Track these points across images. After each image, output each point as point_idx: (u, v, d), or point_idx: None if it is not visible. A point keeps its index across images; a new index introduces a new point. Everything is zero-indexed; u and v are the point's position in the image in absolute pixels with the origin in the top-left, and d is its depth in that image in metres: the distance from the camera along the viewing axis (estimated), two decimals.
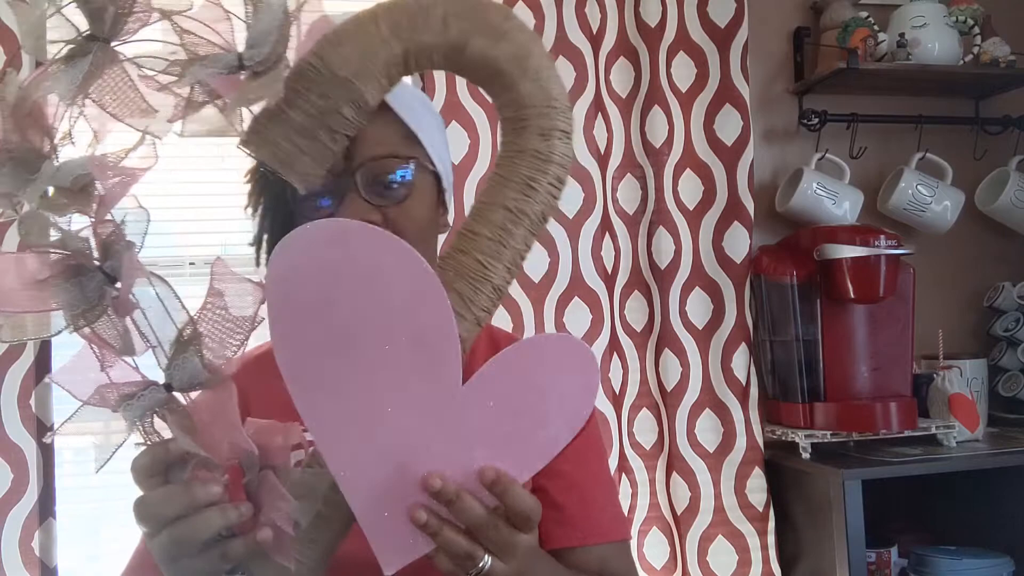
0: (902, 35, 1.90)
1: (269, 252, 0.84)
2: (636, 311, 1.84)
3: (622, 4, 1.84)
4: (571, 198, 1.78)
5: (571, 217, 1.78)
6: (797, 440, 1.73)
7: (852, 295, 1.72)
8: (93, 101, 0.54)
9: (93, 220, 0.55)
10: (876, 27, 1.90)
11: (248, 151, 0.58)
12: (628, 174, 1.85)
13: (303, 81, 0.58)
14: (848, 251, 1.71)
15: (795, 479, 1.77)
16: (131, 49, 0.54)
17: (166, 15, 0.54)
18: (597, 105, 1.82)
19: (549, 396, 0.60)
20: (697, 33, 1.84)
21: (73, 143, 0.55)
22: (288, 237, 0.56)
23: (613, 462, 1.77)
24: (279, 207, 0.81)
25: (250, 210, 0.85)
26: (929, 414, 1.81)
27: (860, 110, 1.96)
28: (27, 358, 1.57)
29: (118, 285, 0.55)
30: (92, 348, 0.56)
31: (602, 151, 1.83)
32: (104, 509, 1.79)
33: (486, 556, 0.61)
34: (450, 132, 1.64)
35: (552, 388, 0.60)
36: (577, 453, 0.88)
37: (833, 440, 1.72)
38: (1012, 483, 1.75)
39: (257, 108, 0.58)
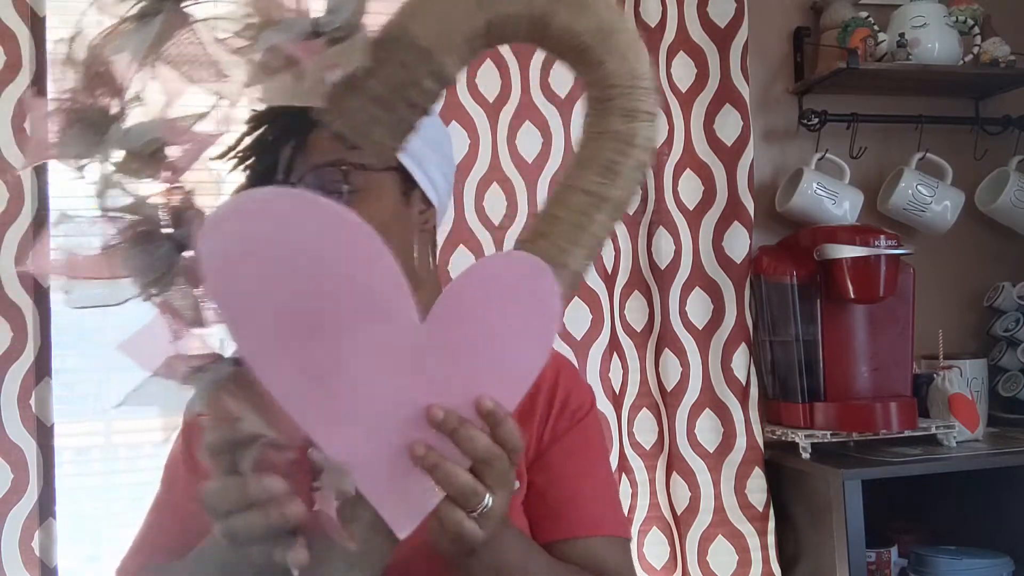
0: (902, 35, 1.90)
1: None
2: (636, 311, 1.84)
3: (622, 4, 1.84)
4: None
5: None
6: (797, 440, 1.73)
7: (852, 295, 1.72)
8: (165, 63, 0.52)
9: (164, 186, 0.53)
10: (876, 27, 1.90)
11: (324, 120, 0.56)
12: None
13: (383, 50, 0.55)
14: (848, 251, 1.71)
15: (795, 479, 1.77)
16: (203, 10, 0.53)
17: None
18: None
19: (511, 316, 0.57)
20: (697, 33, 1.84)
21: (143, 105, 0.54)
22: (209, 220, 0.53)
23: (613, 462, 1.77)
24: None
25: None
26: (929, 414, 1.81)
27: (860, 110, 1.96)
28: (27, 358, 1.56)
29: (188, 253, 0.53)
30: (163, 318, 0.54)
31: None
32: (104, 509, 1.79)
33: (487, 494, 0.59)
34: (450, 132, 1.64)
35: (512, 307, 0.57)
36: (570, 445, 0.88)
37: (833, 440, 1.72)
38: (1012, 483, 1.75)
39: (333, 76, 0.55)
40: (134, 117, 0.54)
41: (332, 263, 0.54)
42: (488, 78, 1.75)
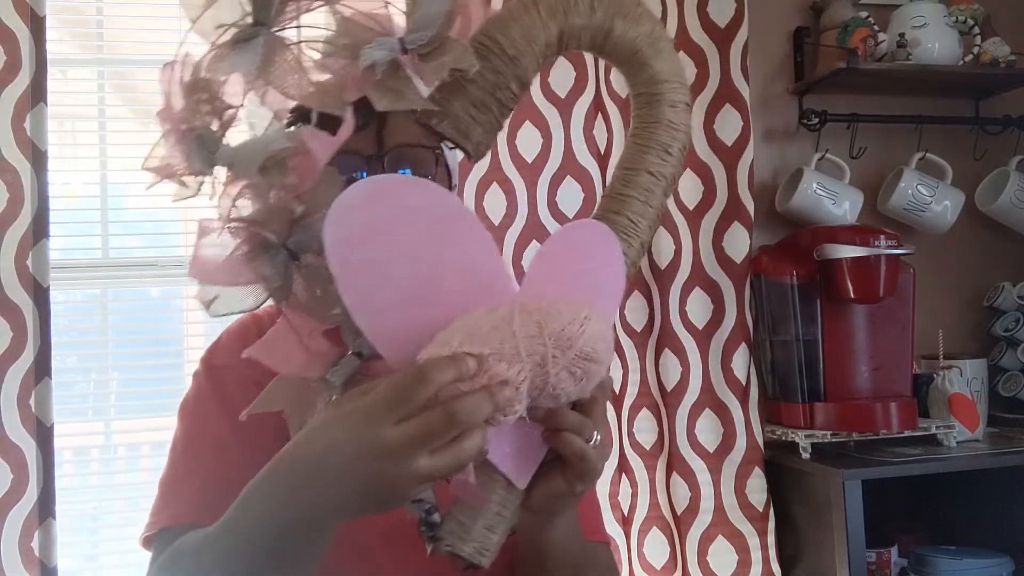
0: (902, 35, 1.90)
1: None
2: (636, 311, 1.84)
3: None
4: (571, 198, 1.79)
5: (571, 217, 1.78)
6: (797, 440, 1.73)
7: (852, 295, 1.72)
8: (269, 83, 0.56)
9: (286, 194, 0.57)
10: (876, 27, 1.90)
11: (430, 121, 0.62)
12: None
13: (479, 58, 0.63)
14: (848, 251, 1.71)
15: (795, 479, 1.77)
16: (293, 33, 0.58)
17: (330, 1, 0.58)
18: (597, 105, 1.82)
19: (587, 277, 0.64)
20: (697, 33, 1.84)
21: (250, 125, 0.58)
22: (337, 204, 0.56)
23: (613, 462, 1.77)
24: None
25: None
26: (929, 414, 1.81)
27: (860, 110, 1.96)
28: (27, 358, 1.57)
29: (305, 260, 0.57)
30: (288, 321, 0.57)
31: (602, 151, 1.83)
32: (104, 509, 1.79)
33: (594, 430, 0.63)
34: None
35: (588, 269, 0.64)
36: None
37: (833, 440, 1.72)
38: (1012, 483, 1.75)
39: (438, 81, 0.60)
40: (238, 135, 0.58)
41: (445, 243, 0.58)
42: None
